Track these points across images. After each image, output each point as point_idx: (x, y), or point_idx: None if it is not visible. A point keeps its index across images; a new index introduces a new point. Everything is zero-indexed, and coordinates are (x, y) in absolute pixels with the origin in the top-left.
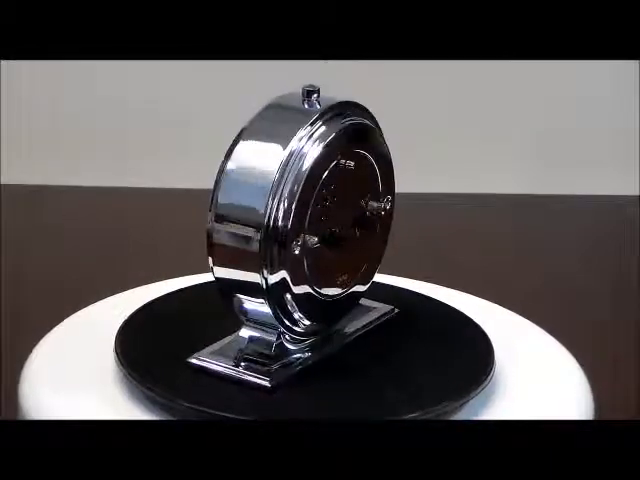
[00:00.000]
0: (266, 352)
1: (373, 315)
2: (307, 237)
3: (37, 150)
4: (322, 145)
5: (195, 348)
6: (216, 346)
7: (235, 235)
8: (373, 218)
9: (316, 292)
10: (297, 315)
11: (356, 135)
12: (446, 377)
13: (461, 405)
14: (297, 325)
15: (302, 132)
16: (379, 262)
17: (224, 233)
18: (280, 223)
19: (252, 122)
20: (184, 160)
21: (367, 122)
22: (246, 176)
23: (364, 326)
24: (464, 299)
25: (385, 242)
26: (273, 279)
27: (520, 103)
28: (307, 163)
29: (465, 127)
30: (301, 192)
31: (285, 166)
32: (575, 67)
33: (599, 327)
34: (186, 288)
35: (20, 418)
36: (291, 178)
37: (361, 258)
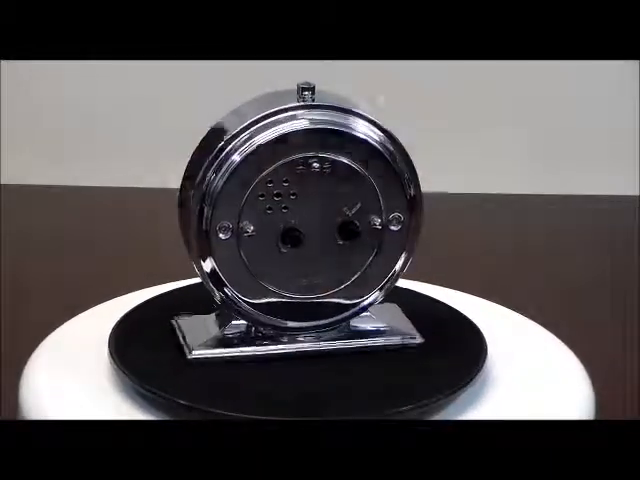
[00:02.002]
0: (214, 331)
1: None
2: (242, 223)
3: (37, 150)
4: (270, 137)
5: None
6: (198, 316)
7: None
8: (366, 231)
9: (265, 288)
10: (242, 304)
11: (325, 140)
12: (433, 374)
13: (448, 402)
14: (250, 315)
15: (258, 119)
16: (382, 280)
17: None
18: (206, 196)
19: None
20: (185, 160)
21: (346, 130)
22: (202, 150)
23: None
24: (463, 299)
25: (393, 262)
26: (205, 266)
27: (520, 103)
28: (250, 148)
29: (465, 127)
30: (233, 173)
31: (230, 143)
32: (575, 67)
33: (599, 327)
34: (181, 288)
35: (20, 418)
36: (232, 159)
37: (345, 268)
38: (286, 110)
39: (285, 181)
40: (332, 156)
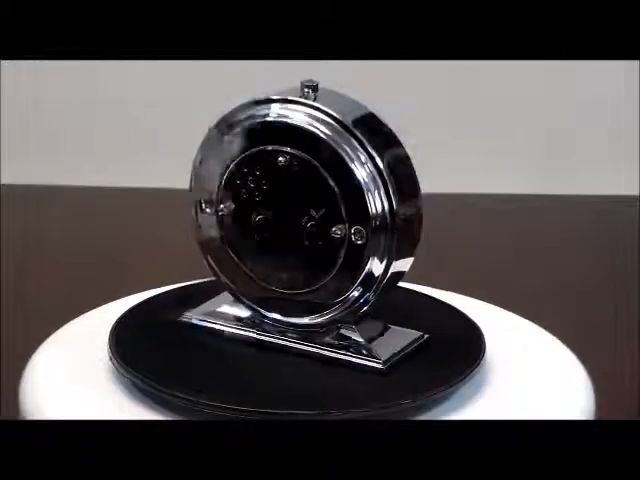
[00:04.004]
0: (209, 309)
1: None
2: (221, 202)
3: (37, 150)
4: (247, 124)
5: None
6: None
7: None
8: (329, 238)
9: (245, 273)
10: (223, 282)
11: (298, 139)
12: (430, 370)
13: (446, 396)
14: (237, 297)
15: (250, 103)
16: (347, 290)
17: None
18: (195, 168)
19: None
20: (185, 160)
21: (321, 135)
22: None
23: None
24: (461, 301)
25: (358, 273)
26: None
27: (520, 103)
28: (230, 129)
29: (465, 127)
30: (214, 151)
31: (221, 122)
32: (575, 67)
33: (599, 327)
34: (180, 287)
35: (20, 418)
36: (215, 136)
37: (313, 271)
38: (276, 101)
39: (258, 170)
40: (303, 156)
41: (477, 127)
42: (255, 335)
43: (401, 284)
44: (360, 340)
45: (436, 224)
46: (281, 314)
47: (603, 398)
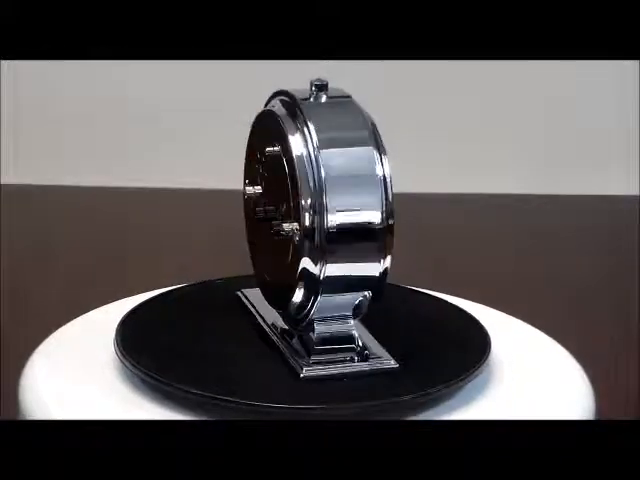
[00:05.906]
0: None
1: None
2: (249, 184)
3: (37, 150)
4: (259, 115)
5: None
6: None
7: None
8: (287, 236)
9: (256, 259)
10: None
11: (280, 136)
12: (431, 369)
13: (449, 392)
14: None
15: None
16: (292, 291)
17: None
18: None
19: None
20: (185, 160)
21: (293, 142)
22: None
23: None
24: (461, 303)
25: (293, 282)
26: None
27: (520, 103)
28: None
29: (465, 127)
30: (249, 138)
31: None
32: (575, 67)
33: (599, 327)
34: (186, 286)
35: (20, 418)
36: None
37: (275, 269)
38: (282, 101)
39: (261, 154)
40: (278, 154)
41: (477, 127)
42: (263, 326)
43: (402, 285)
44: (313, 342)
45: (436, 224)
46: (273, 307)
47: (603, 398)
